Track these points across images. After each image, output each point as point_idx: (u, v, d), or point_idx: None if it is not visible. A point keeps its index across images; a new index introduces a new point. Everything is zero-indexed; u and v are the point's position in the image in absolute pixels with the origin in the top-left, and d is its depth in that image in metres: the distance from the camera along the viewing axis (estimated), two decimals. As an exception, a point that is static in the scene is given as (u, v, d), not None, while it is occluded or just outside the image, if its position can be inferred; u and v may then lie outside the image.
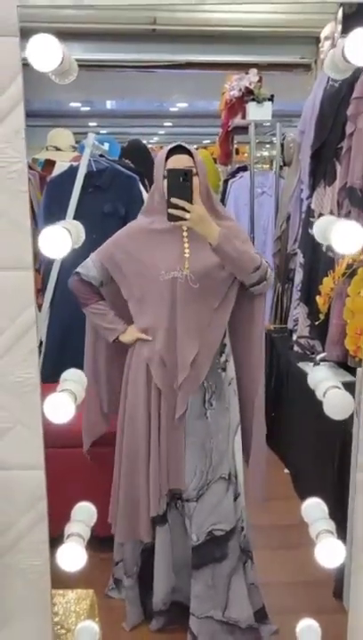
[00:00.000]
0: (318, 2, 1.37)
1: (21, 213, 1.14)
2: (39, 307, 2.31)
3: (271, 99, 3.04)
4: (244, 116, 3.18)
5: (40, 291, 2.32)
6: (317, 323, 2.08)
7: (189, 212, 1.65)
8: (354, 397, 1.14)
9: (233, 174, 3.63)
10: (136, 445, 1.85)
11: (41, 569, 1.24)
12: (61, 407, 1.12)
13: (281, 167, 3.25)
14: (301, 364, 2.42)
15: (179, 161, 1.72)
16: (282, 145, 3.17)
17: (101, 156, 2.48)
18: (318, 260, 2.39)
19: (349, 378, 1.92)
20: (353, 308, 1.76)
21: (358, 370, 1.79)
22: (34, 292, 1.17)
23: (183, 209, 1.65)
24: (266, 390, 1.92)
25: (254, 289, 1.81)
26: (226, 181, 3.65)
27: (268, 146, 3.49)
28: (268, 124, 3.18)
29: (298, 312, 2.60)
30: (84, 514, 1.22)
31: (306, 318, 2.49)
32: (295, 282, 2.67)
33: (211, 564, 1.86)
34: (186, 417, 1.83)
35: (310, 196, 2.49)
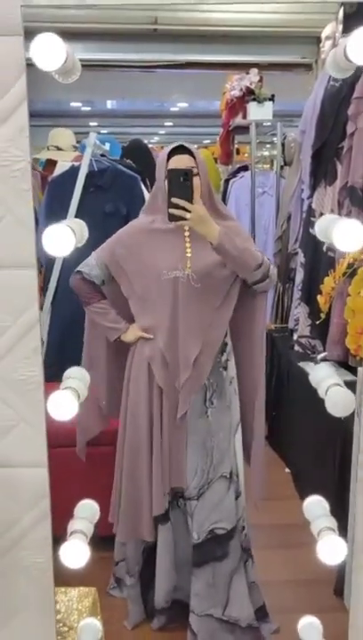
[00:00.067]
0: (319, 1, 1.38)
1: (25, 212, 1.14)
2: (40, 306, 2.31)
3: (272, 98, 3.05)
4: (244, 116, 3.19)
5: (41, 289, 2.32)
6: (318, 322, 2.09)
7: (189, 211, 1.66)
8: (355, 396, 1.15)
9: (234, 174, 3.64)
10: (138, 444, 1.86)
11: (44, 566, 1.24)
12: (65, 405, 1.13)
13: (282, 167, 3.26)
14: (301, 364, 2.43)
15: (180, 161, 1.73)
16: (283, 145, 3.19)
17: (103, 155, 2.49)
18: (319, 259, 2.39)
19: (350, 377, 1.92)
20: (354, 308, 1.76)
21: (359, 369, 1.79)
22: (37, 291, 1.17)
23: (184, 209, 1.65)
24: (267, 390, 1.93)
25: (258, 286, 1.81)
26: (227, 181, 3.66)
27: (269, 145, 3.51)
28: (269, 123, 3.19)
29: (299, 311, 2.60)
30: (86, 511, 1.23)
31: (307, 318, 2.50)
32: (296, 281, 2.67)
33: (212, 562, 1.86)
34: (187, 416, 1.83)
35: (311, 196, 2.49)
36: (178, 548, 1.92)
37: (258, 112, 3.07)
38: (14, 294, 1.17)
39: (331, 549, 1.16)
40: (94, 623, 1.30)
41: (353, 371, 1.87)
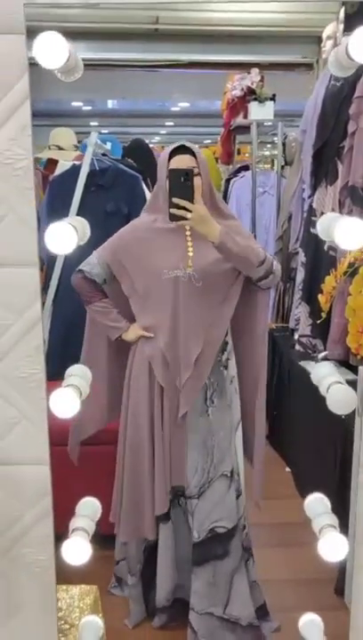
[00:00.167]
0: (320, 1, 1.38)
1: (27, 210, 1.14)
2: (42, 304, 2.31)
3: (273, 98, 3.05)
4: (246, 116, 3.19)
5: (43, 288, 2.32)
6: (318, 321, 2.09)
7: (190, 211, 1.66)
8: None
9: (235, 174, 3.65)
10: (139, 443, 1.86)
11: (46, 564, 1.24)
12: (67, 402, 1.13)
13: (283, 166, 3.26)
14: (302, 363, 2.43)
15: (181, 161, 1.73)
16: (284, 144, 3.19)
17: (104, 154, 2.49)
18: (320, 258, 2.39)
19: (351, 376, 1.92)
20: (355, 307, 1.76)
21: (360, 368, 1.79)
22: (40, 289, 1.17)
23: (185, 209, 1.66)
24: (267, 389, 1.93)
25: (262, 283, 1.81)
26: (228, 181, 3.66)
27: (269, 145, 3.51)
28: (270, 123, 3.19)
29: (300, 311, 2.60)
30: (88, 509, 1.23)
31: (308, 317, 2.50)
32: (297, 281, 2.67)
33: (212, 560, 1.87)
34: (188, 414, 1.83)
35: (312, 196, 2.49)
36: (179, 546, 1.92)
37: (259, 112, 3.07)
38: (16, 292, 1.17)
39: (332, 546, 1.16)
40: (96, 621, 1.30)
41: (354, 370, 1.87)
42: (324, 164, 2.41)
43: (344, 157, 2.21)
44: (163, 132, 4.02)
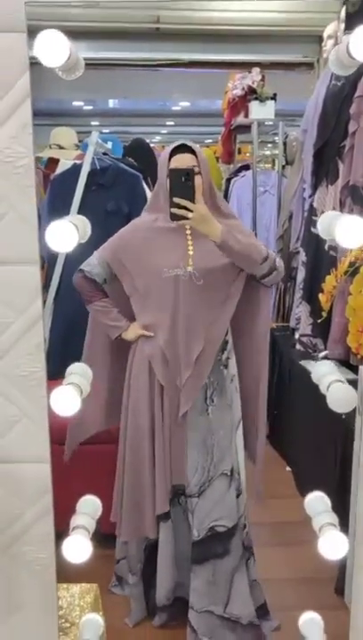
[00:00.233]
0: (321, 0, 1.38)
1: (28, 208, 1.14)
2: (43, 302, 2.32)
3: (274, 97, 3.05)
4: (246, 115, 3.19)
5: (44, 287, 2.32)
6: (319, 321, 2.08)
7: (191, 211, 1.66)
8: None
9: (236, 173, 3.65)
10: (139, 442, 1.86)
11: (46, 562, 1.25)
12: (67, 400, 1.13)
13: (284, 166, 3.26)
14: (303, 363, 2.43)
15: (182, 160, 1.73)
16: (285, 144, 3.19)
17: (105, 154, 2.49)
18: (321, 258, 2.39)
19: (351, 376, 1.92)
20: (355, 306, 1.76)
21: (361, 367, 1.79)
22: (40, 287, 1.17)
23: (186, 208, 1.66)
24: (268, 388, 1.93)
25: (266, 280, 1.81)
26: (228, 180, 3.66)
27: (270, 145, 3.51)
28: (270, 122, 3.19)
29: (300, 310, 2.60)
30: (89, 507, 1.23)
31: (308, 316, 2.50)
32: (298, 280, 2.67)
33: (212, 559, 1.87)
34: (188, 413, 1.83)
35: (313, 195, 2.49)
36: (179, 545, 1.92)
37: (260, 111, 3.07)
38: (17, 290, 1.17)
39: (333, 545, 1.16)
40: (96, 619, 1.30)
41: (354, 369, 1.87)
42: (325, 163, 2.41)
43: (345, 157, 2.21)
44: (164, 131, 4.03)
